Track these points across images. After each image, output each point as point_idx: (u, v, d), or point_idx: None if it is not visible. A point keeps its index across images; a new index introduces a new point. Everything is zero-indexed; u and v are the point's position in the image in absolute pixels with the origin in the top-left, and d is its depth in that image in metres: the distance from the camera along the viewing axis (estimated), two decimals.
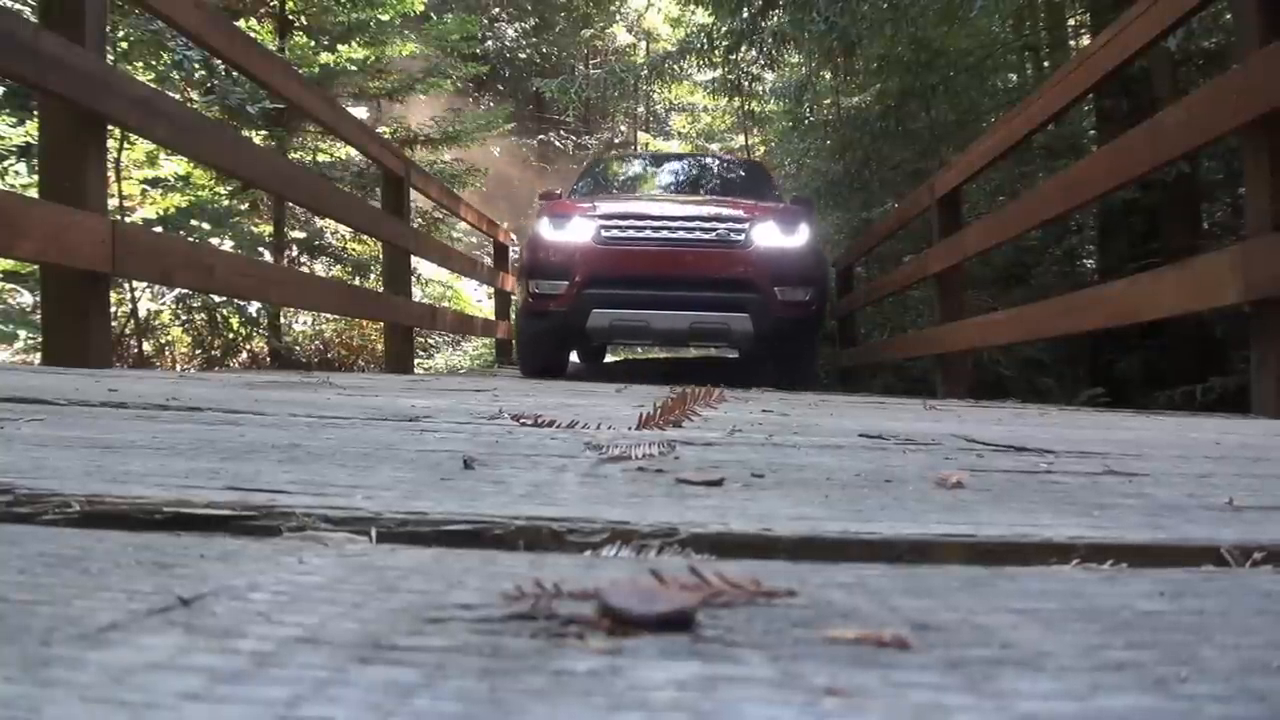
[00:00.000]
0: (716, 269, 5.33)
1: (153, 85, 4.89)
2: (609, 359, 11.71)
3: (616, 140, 25.84)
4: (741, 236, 5.39)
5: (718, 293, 5.26)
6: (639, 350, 14.20)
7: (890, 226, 7.58)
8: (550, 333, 5.71)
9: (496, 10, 22.48)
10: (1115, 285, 4.00)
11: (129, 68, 6.93)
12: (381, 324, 7.21)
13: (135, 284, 6.82)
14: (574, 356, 9.11)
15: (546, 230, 5.54)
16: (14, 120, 6.66)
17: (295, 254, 9.35)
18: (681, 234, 5.38)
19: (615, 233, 5.37)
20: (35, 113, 4.73)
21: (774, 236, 5.46)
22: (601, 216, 5.43)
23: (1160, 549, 0.65)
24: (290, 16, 8.93)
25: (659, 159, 8.94)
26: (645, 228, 5.39)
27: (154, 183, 7.75)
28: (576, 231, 5.43)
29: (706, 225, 5.40)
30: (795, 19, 9.51)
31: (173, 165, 7.71)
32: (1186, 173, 6.23)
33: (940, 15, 8.57)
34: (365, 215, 6.18)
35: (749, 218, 5.46)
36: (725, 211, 5.58)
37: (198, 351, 8.02)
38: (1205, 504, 0.83)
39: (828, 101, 11.97)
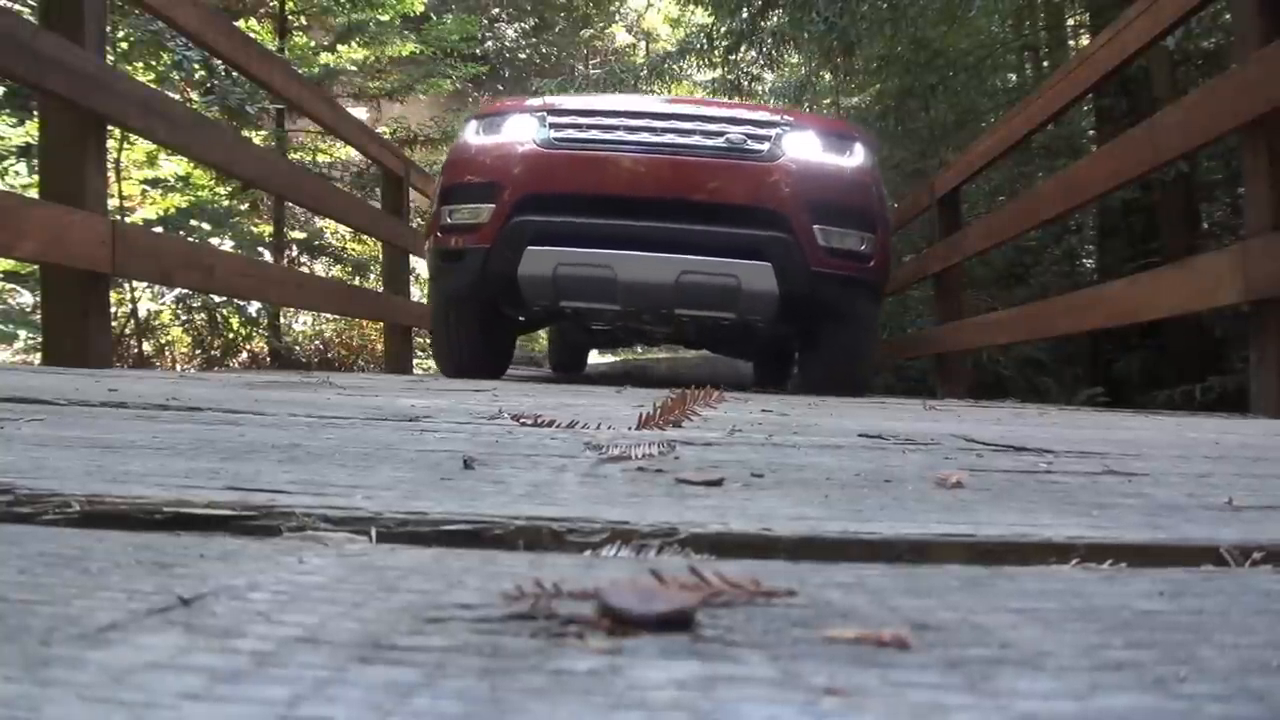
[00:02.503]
0: (723, 190, 3.57)
1: (153, 85, 4.89)
2: (597, 358, 11.55)
3: None
4: (764, 146, 3.64)
5: (723, 226, 3.50)
6: (639, 350, 14.04)
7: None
8: (466, 293, 3.84)
9: (496, 10, 22.47)
10: (1115, 285, 4.01)
11: (129, 68, 6.92)
12: (381, 324, 7.21)
13: (135, 284, 6.82)
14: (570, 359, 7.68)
15: (472, 135, 3.84)
16: (14, 120, 6.66)
17: (295, 254, 9.36)
18: (672, 138, 3.61)
19: (571, 133, 3.64)
20: (35, 113, 4.74)
21: (814, 150, 3.71)
22: (552, 112, 3.73)
23: (1159, 549, 0.65)
24: (290, 17, 8.93)
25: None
26: (616, 127, 3.66)
27: (154, 183, 7.75)
28: (515, 132, 3.70)
29: (711, 127, 3.68)
30: (795, 19, 9.52)
31: (173, 165, 7.71)
32: (1185, 172, 6.23)
33: (939, 15, 8.58)
34: (365, 215, 6.18)
35: (777, 121, 3.75)
36: (741, 112, 3.91)
37: (198, 352, 8.02)
38: (1204, 504, 0.83)
39: (827, 101, 11.98)
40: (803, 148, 3.71)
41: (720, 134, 3.66)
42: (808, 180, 3.63)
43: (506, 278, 3.58)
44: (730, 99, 11.25)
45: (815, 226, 3.56)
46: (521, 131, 3.70)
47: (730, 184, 3.58)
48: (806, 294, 3.58)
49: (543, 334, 8.90)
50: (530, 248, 3.50)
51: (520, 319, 4.47)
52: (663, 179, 3.57)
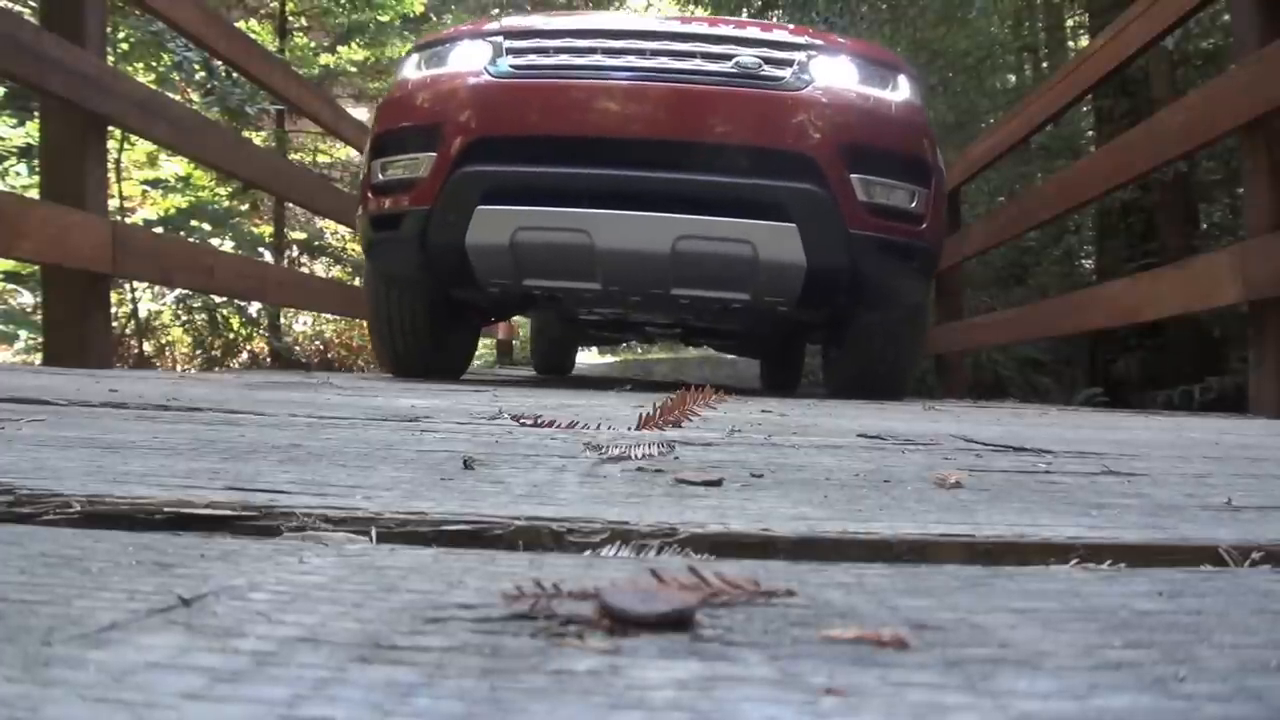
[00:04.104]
0: (733, 129, 2.81)
1: (153, 86, 4.89)
2: (596, 359, 11.48)
3: None
4: (784, 73, 2.85)
5: (734, 176, 2.75)
6: (639, 349, 13.94)
7: None
8: (404, 271, 3.13)
9: (496, 11, 22.47)
10: (1115, 285, 4.01)
11: (129, 69, 6.92)
12: None
13: (135, 284, 6.82)
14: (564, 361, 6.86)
15: (412, 70, 3.09)
16: (15, 121, 6.66)
17: (295, 254, 9.35)
18: (665, 62, 2.84)
19: (534, 59, 2.88)
20: (36, 114, 4.74)
21: (850, 79, 2.92)
22: (510, 35, 2.95)
23: (1158, 549, 0.65)
24: (290, 18, 8.94)
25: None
26: (593, 51, 2.88)
27: (154, 183, 7.75)
28: (464, 62, 2.93)
29: (717, 49, 2.89)
30: (794, 19, 9.52)
31: (173, 166, 7.71)
32: (1184, 173, 6.23)
33: (939, 16, 8.58)
34: None
35: (802, 44, 2.95)
36: (754, 32, 3.05)
37: (198, 352, 8.01)
38: (1203, 504, 0.83)
39: None
40: (836, 76, 2.89)
41: (728, 57, 2.83)
42: (843, 117, 2.83)
43: (452, 248, 2.82)
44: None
45: (853, 176, 2.78)
46: (472, 60, 2.91)
47: (742, 121, 2.81)
48: (842, 266, 2.82)
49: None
50: (481, 207, 2.75)
51: (482, 307, 3.63)
52: (653, 115, 2.80)
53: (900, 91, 3.03)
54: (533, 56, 2.90)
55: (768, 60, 2.88)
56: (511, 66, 2.88)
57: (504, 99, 2.88)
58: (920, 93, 3.17)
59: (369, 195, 3.09)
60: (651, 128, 2.81)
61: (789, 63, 2.89)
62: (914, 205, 2.93)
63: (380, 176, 3.03)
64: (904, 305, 3.15)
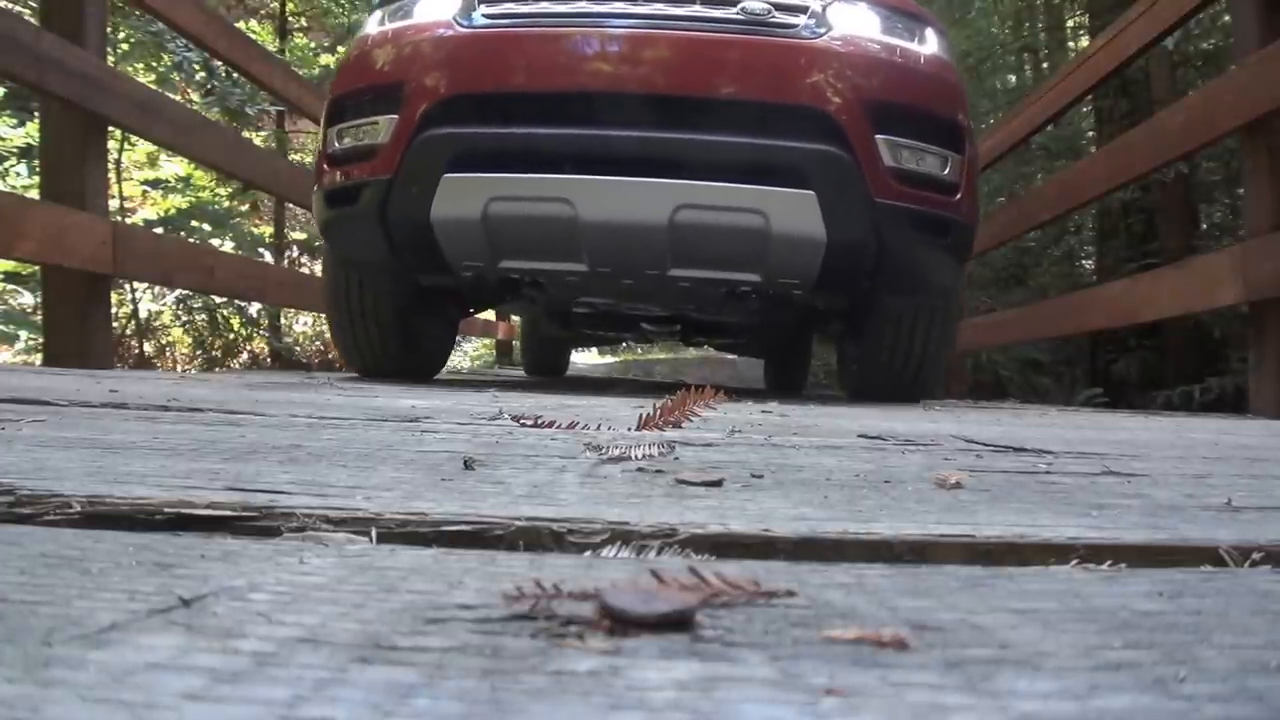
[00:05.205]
0: (740, 81, 2.50)
1: (153, 87, 4.89)
2: (596, 359, 11.46)
3: None
4: (798, 20, 2.55)
5: (741, 135, 2.45)
6: (639, 350, 13.91)
7: None
8: (363, 253, 2.79)
9: None
10: (1115, 285, 4.01)
11: (129, 69, 6.93)
12: None
13: (136, 285, 6.82)
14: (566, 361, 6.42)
15: (374, 26, 2.79)
16: (15, 122, 6.66)
17: (295, 255, 9.36)
18: (661, 7, 2.53)
19: (509, 6, 2.56)
20: (36, 114, 4.74)
21: (872, 29, 2.62)
22: None
23: (1159, 549, 0.65)
24: (290, 19, 8.94)
25: None
26: None
27: (154, 184, 7.76)
28: (430, 12, 2.63)
29: None
30: None
31: (173, 166, 7.72)
32: (1184, 173, 6.24)
33: (938, 16, 8.58)
34: None
35: None
36: None
37: (198, 352, 8.02)
38: (1203, 504, 0.83)
39: None
40: (856, 25, 2.59)
41: (732, 3, 2.53)
42: (866, 70, 2.52)
43: (415, 224, 2.51)
44: None
45: (879, 137, 2.47)
46: (440, 10, 2.60)
47: (750, 73, 2.49)
48: (866, 241, 2.51)
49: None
50: (448, 175, 2.43)
51: (459, 296, 3.26)
52: (648, 68, 2.49)
53: (929, 45, 2.69)
54: (509, 4, 2.57)
55: (778, 6, 2.55)
56: (485, 16, 2.56)
57: (475, 52, 2.55)
58: (949, 49, 2.84)
59: (324, 168, 2.77)
60: (646, 82, 2.49)
61: (803, 9, 2.57)
62: (947, 172, 2.60)
63: (336, 145, 2.70)
64: (934, 290, 2.79)
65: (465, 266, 2.73)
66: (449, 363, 4.19)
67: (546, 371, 6.24)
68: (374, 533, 0.64)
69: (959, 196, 2.63)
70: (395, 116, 2.51)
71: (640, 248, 2.54)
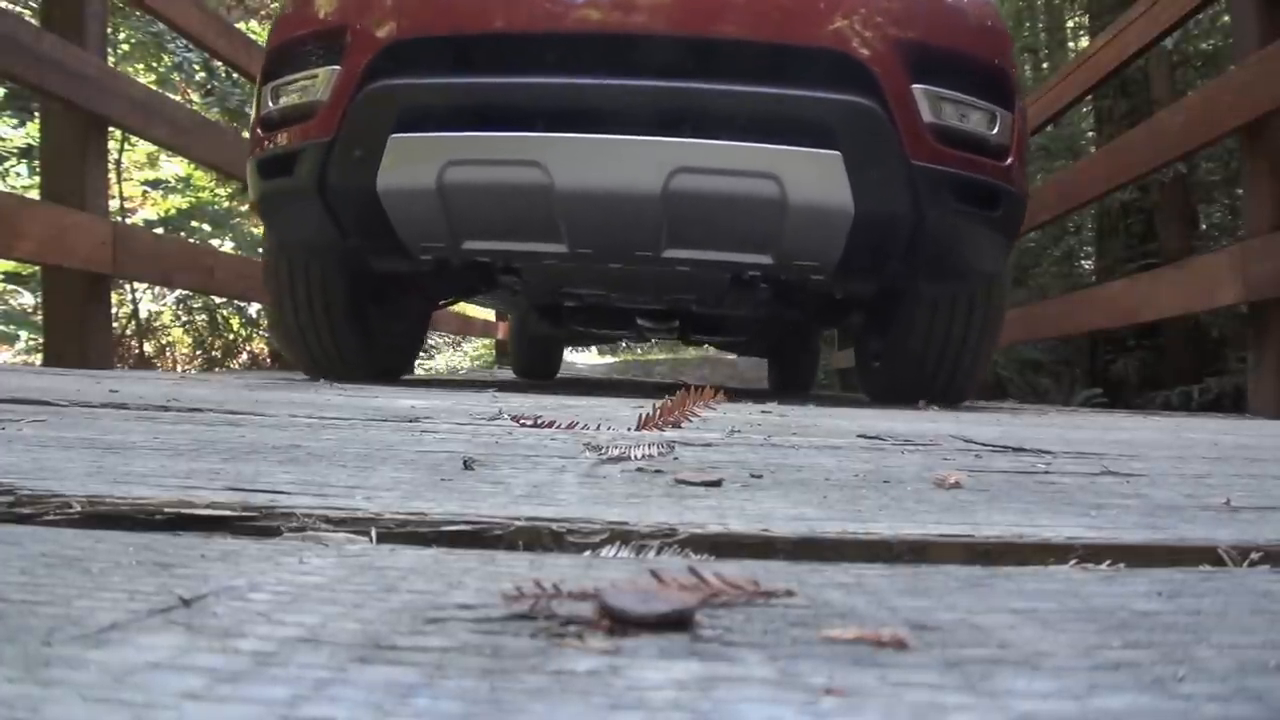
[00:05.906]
0: (750, 20, 2.07)
1: (153, 87, 4.89)
2: (595, 359, 11.42)
3: None
4: None
5: (752, 84, 2.03)
6: (638, 350, 13.88)
7: None
8: (301, 233, 2.43)
9: None
10: (1115, 286, 4.01)
11: (130, 70, 6.93)
12: None
13: (136, 285, 6.82)
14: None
15: None
16: (15, 122, 6.67)
17: None
18: None
19: None
20: (37, 115, 4.74)
21: None
22: None
23: (1158, 549, 0.65)
24: None
25: None
26: None
27: (154, 184, 7.76)
28: None
29: None
30: None
31: (173, 166, 7.72)
32: (1184, 173, 6.24)
33: None
34: None
35: None
36: None
37: (198, 352, 8.02)
38: (1203, 504, 0.83)
39: None
40: None
41: None
42: (900, 7, 2.10)
43: (360, 194, 2.13)
44: None
45: (916, 87, 2.05)
46: None
47: (761, 9, 2.07)
48: (902, 213, 2.09)
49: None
50: (397, 135, 2.05)
51: (424, 286, 2.88)
52: (638, 3, 2.06)
53: None
54: None
55: None
56: None
57: None
58: None
59: (258, 133, 2.38)
60: (634, 20, 2.06)
61: None
62: (995, 132, 2.18)
63: (271, 106, 2.31)
64: (979, 274, 2.38)
65: (423, 248, 2.32)
66: (449, 363, 4.19)
67: (536, 374, 5.74)
68: (374, 533, 0.64)
69: (1010, 161, 2.22)
70: (337, 68, 2.14)
71: (629, 223, 2.12)
